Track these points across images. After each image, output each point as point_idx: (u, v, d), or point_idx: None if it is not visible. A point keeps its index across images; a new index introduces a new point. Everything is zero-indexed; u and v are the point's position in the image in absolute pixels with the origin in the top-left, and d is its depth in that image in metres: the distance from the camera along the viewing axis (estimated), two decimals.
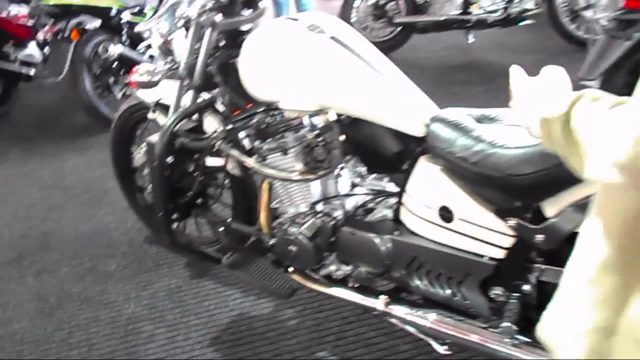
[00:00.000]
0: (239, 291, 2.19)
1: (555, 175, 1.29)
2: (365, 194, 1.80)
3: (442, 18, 4.95)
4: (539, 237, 1.37)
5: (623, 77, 3.02)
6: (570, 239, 1.33)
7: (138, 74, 1.83)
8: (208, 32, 1.77)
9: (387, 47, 5.23)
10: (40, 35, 3.62)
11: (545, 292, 1.49)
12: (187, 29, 1.81)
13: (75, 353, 1.96)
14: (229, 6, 1.75)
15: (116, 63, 3.79)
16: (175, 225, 1.89)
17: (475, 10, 4.94)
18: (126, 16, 4.02)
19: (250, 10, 1.84)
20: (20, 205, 2.97)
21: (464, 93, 4.18)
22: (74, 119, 4.05)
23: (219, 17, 1.74)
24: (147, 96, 2.07)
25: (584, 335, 0.81)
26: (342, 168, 1.79)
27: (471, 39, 5.33)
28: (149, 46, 4.03)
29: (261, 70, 1.67)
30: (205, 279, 2.28)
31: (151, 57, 4.06)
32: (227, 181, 2.09)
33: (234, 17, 1.78)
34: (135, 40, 4.03)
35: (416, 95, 1.65)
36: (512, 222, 1.41)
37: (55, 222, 2.80)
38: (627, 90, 0.77)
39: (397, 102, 1.59)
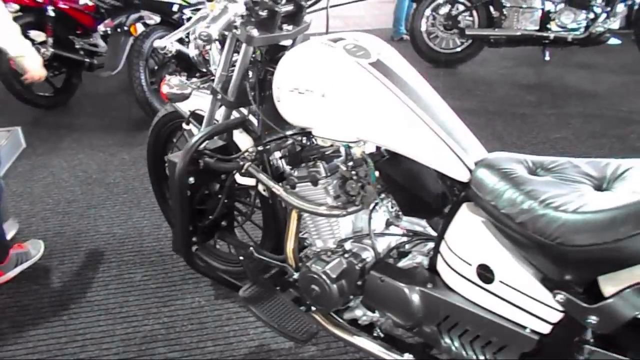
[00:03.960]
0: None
1: (617, 252, 1.08)
2: (400, 235, 1.62)
3: (517, 33, 4.68)
4: (592, 319, 1.15)
5: None
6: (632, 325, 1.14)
7: (168, 86, 1.73)
8: (244, 46, 1.65)
9: (455, 60, 5.02)
10: (102, 27, 3.62)
11: None
12: (223, 42, 1.69)
13: None
14: (267, 20, 1.60)
15: (173, 60, 3.76)
16: (194, 248, 1.77)
17: (554, 27, 4.64)
18: (188, 13, 3.98)
19: (292, 26, 1.69)
20: (61, 199, 2.97)
21: (532, 116, 3.89)
22: (129, 113, 4.05)
23: (255, 32, 1.60)
24: (182, 105, 1.97)
25: None
26: (376, 204, 1.62)
27: (547, 56, 5.04)
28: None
29: (296, 93, 1.52)
30: (230, 301, 2.16)
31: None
32: (258, 201, 1.97)
33: (273, 32, 1.64)
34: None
35: (463, 134, 1.46)
36: (561, 296, 1.20)
37: (92, 220, 2.76)
38: None
39: (440, 139, 1.40)
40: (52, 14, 4.06)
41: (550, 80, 4.66)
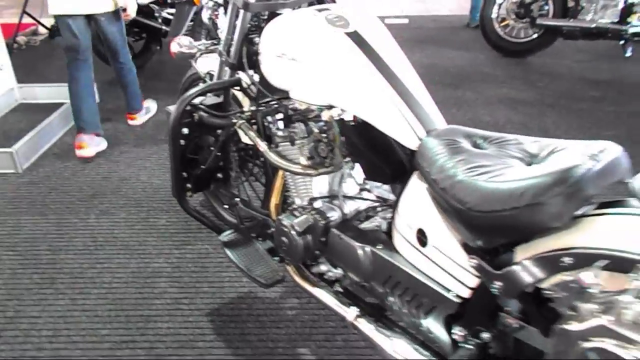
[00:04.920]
0: None
1: (516, 219, 1.13)
2: (366, 199, 1.72)
3: (592, 25, 4.47)
4: (497, 284, 1.21)
5: None
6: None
7: (178, 45, 1.91)
8: (242, 12, 1.79)
9: (524, 50, 4.88)
10: None
11: (507, 346, 1.33)
12: (226, 7, 1.84)
13: (95, 292, 2.14)
14: None
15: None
16: (189, 194, 1.97)
17: (634, 20, 4.37)
18: None
19: None
20: (115, 149, 3.29)
21: (589, 111, 3.75)
22: None
23: None
24: (201, 67, 2.15)
25: None
26: (353, 169, 1.72)
27: (629, 52, 4.75)
28: None
29: (275, 57, 1.65)
30: None
31: None
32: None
33: (269, 0, 1.77)
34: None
35: (424, 106, 1.52)
36: (474, 261, 1.26)
37: (136, 170, 3.05)
38: None
39: (396, 107, 1.47)
40: None
41: (623, 78, 4.42)
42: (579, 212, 1.10)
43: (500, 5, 4.85)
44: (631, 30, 4.34)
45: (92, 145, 3.18)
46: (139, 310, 2.04)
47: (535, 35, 4.79)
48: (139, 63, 4.66)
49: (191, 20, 3.92)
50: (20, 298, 2.11)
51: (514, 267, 1.17)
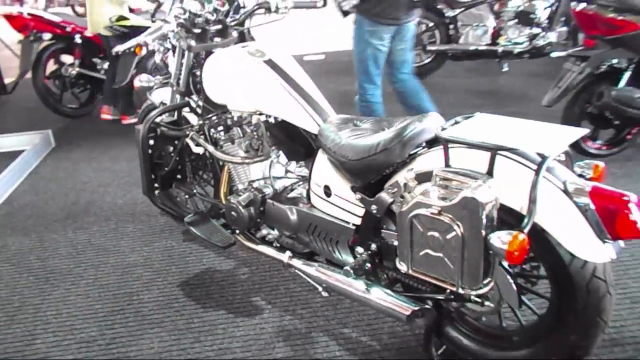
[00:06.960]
0: (214, 253, 2.83)
1: (374, 161, 1.83)
2: (290, 177, 2.38)
3: (471, 48, 5.39)
4: (374, 207, 1.88)
5: (580, 106, 3.39)
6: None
7: (139, 80, 2.54)
8: (186, 53, 2.45)
9: (422, 72, 5.73)
10: (114, 49, 4.50)
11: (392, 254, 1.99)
12: (174, 50, 2.50)
13: (84, 282, 2.67)
14: (201, 35, 2.40)
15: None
16: (157, 192, 2.57)
17: (502, 41, 5.34)
18: None
19: (220, 39, 2.48)
20: (78, 181, 3.82)
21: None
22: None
23: (193, 42, 2.40)
24: (155, 98, 2.78)
25: None
26: (278, 157, 2.38)
27: (506, 67, 5.72)
28: None
29: (215, 81, 2.31)
30: (193, 243, 2.93)
31: None
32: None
33: (206, 43, 2.44)
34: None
35: (321, 104, 2.21)
36: (358, 196, 1.93)
37: (100, 195, 3.59)
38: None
39: (302, 108, 2.16)
40: (79, 40, 4.98)
41: (500, 88, 5.35)
42: (414, 152, 1.81)
43: None
44: (500, 49, 5.30)
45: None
46: (123, 289, 2.60)
47: (428, 60, 5.69)
48: (85, 110, 5.25)
49: (134, 67, 4.52)
50: (22, 293, 2.62)
51: (380, 194, 1.85)
